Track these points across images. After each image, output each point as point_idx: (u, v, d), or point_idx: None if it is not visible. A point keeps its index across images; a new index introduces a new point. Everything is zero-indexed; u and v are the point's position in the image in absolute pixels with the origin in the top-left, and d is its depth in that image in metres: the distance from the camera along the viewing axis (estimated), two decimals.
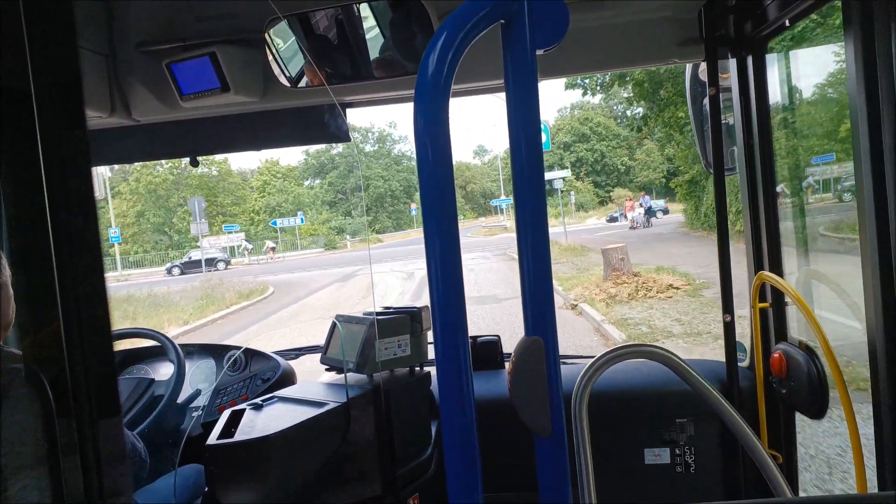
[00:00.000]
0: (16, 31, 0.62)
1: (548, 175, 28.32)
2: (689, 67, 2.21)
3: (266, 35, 1.80)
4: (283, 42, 1.88)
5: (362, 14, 1.80)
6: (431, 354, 1.96)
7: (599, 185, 63.98)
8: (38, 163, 0.63)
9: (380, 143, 71.60)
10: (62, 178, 0.64)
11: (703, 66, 1.97)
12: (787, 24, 1.72)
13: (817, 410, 1.77)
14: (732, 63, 1.96)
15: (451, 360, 0.75)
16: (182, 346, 2.46)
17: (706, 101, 2.00)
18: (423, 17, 1.70)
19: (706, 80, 1.96)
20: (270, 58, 1.86)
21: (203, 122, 2.19)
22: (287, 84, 1.91)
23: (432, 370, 1.99)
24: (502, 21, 0.78)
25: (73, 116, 0.66)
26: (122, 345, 2.69)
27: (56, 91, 0.64)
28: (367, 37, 1.83)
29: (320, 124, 2.16)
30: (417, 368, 1.95)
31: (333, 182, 66.45)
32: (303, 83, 1.94)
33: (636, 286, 12.57)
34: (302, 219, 52.96)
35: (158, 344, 2.47)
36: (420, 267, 20.71)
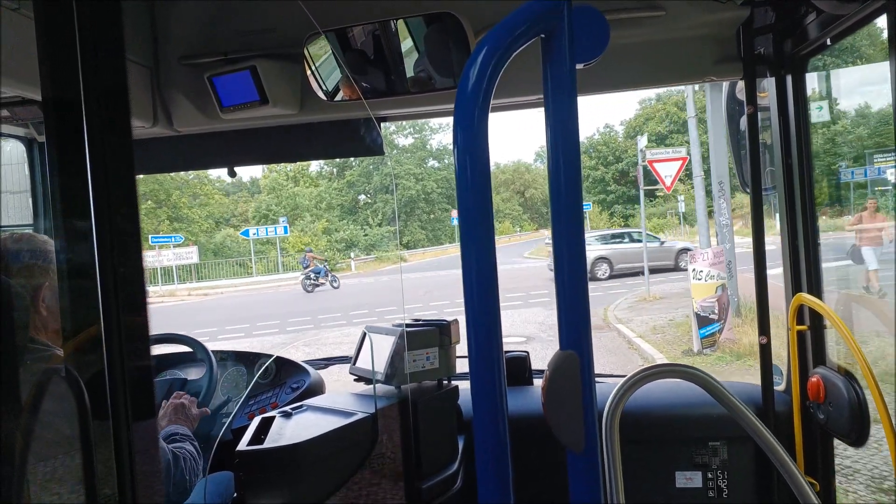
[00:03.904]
0: (69, 44, 0.65)
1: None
2: (725, 85, 2.18)
3: (305, 49, 1.84)
4: (321, 56, 1.91)
5: (399, 30, 1.83)
6: (460, 368, 1.96)
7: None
8: (84, 170, 0.65)
9: (417, 132, 51.88)
10: (106, 185, 0.66)
11: (741, 84, 1.94)
12: (829, 42, 1.69)
13: (857, 437, 1.71)
14: (771, 82, 1.93)
15: (487, 374, 0.75)
16: (215, 352, 2.50)
17: (743, 119, 1.97)
18: (459, 33, 1.71)
19: (744, 98, 1.94)
20: (308, 72, 1.89)
21: (242, 133, 2.24)
22: (324, 97, 1.94)
23: (460, 384, 1.98)
24: (542, 35, 0.79)
25: (118, 126, 0.68)
26: (155, 350, 2.74)
27: (104, 101, 0.66)
28: (403, 52, 1.86)
29: (356, 137, 2.19)
30: (445, 381, 1.95)
31: (354, 182, 48.99)
32: (339, 97, 1.97)
33: None
34: (286, 228, 36.68)
35: (191, 350, 2.51)
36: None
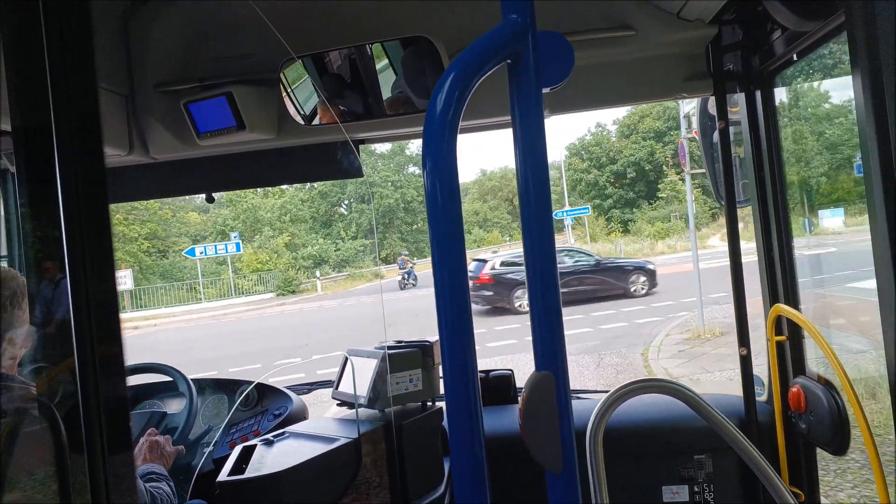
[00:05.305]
0: (39, 70, 0.64)
1: None
2: (698, 101, 2.22)
3: (281, 74, 1.85)
4: (297, 81, 1.92)
5: (374, 53, 1.84)
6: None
7: (708, 191, 35.84)
8: (55, 200, 0.64)
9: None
10: (79, 215, 0.65)
11: (713, 99, 1.98)
12: (795, 58, 1.74)
13: (838, 446, 1.72)
14: (741, 97, 1.98)
15: (461, 395, 0.75)
16: (194, 380, 2.46)
17: (716, 134, 2.01)
18: (434, 56, 1.73)
19: (715, 113, 1.98)
20: (285, 96, 1.90)
21: (219, 159, 2.23)
22: (301, 122, 1.95)
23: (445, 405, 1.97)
24: (509, 61, 0.80)
25: (91, 155, 0.68)
26: (134, 380, 2.69)
27: (75, 129, 0.65)
28: (380, 75, 1.87)
29: (333, 160, 2.19)
30: (429, 403, 1.93)
31: (326, 192, 43.64)
32: (316, 121, 1.97)
33: None
34: (238, 245, 30.91)
35: (170, 379, 2.47)
36: None
